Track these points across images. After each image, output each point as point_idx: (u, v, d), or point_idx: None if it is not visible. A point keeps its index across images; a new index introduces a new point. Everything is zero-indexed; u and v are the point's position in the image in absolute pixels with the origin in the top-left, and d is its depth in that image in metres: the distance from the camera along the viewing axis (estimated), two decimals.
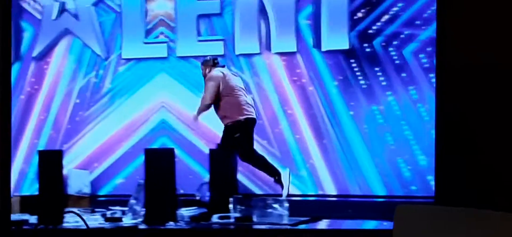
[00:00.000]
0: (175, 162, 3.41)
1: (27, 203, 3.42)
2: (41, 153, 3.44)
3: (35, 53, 3.64)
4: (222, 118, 3.37)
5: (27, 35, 3.64)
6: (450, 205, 1.74)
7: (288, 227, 3.08)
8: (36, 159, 3.50)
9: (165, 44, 3.60)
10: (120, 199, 3.51)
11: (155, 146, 3.57)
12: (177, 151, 3.47)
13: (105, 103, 3.65)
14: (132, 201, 3.44)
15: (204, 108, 3.38)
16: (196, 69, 3.57)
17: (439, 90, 2.98)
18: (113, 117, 3.65)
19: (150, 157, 3.42)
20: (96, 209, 3.49)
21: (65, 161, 3.48)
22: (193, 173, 3.54)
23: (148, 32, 3.62)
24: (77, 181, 3.53)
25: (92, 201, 3.54)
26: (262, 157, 3.38)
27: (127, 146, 3.62)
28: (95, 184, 3.60)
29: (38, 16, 3.64)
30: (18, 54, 3.63)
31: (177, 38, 3.59)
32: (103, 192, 3.62)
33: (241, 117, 3.34)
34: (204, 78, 3.41)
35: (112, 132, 3.64)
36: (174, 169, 3.41)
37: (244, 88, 3.42)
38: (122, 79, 3.63)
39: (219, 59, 3.47)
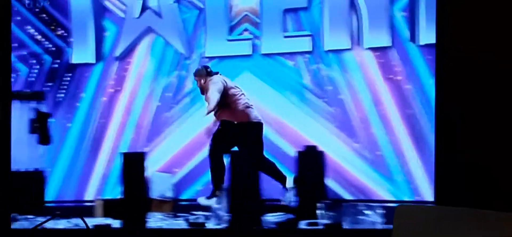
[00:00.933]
0: None
1: (110, 207, 3.35)
2: (125, 155, 3.36)
3: (117, 53, 3.55)
4: (224, 123, 3.22)
5: (109, 35, 3.55)
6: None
7: None
8: (118, 161, 3.45)
9: (250, 41, 3.43)
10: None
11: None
12: None
13: (187, 104, 3.51)
14: (216, 206, 3.30)
15: (214, 106, 3.20)
16: (282, 67, 3.38)
17: (438, 90, 2.90)
18: (196, 118, 3.50)
19: (234, 160, 3.29)
20: (179, 214, 3.38)
21: (147, 164, 3.41)
22: None
23: (231, 29, 3.45)
24: (160, 185, 3.42)
25: (175, 206, 3.43)
26: (270, 163, 3.24)
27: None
28: (178, 187, 3.48)
29: (121, 14, 3.54)
30: (100, 54, 3.55)
31: (262, 34, 3.41)
32: (185, 196, 3.49)
33: (244, 120, 3.19)
34: (201, 89, 3.27)
35: (195, 134, 3.50)
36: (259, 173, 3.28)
37: (244, 93, 3.26)
38: None
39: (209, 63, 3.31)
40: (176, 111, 3.53)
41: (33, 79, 3.54)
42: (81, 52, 3.54)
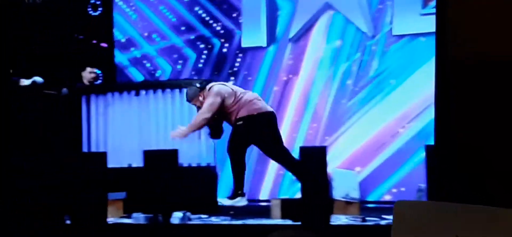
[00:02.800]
0: None
1: (287, 207, 2.97)
2: (302, 150, 2.97)
3: (291, 34, 3.16)
4: (236, 121, 2.72)
5: (283, 14, 3.18)
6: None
7: None
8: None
9: None
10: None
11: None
12: None
13: (372, 90, 3.06)
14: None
15: (201, 122, 2.70)
16: None
17: (438, 84, 2.49)
18: (382, 106, 3.04)
19: (432, 155, 2.78)
20: (367, 218, 2.92)
21: (328, 159, 2.99)
22: None
23: (427, 1, 2.95)
24: (343, 183, 2.98)
25: (362, 208, 2.97)
26: (295, 160, 2.74)
27: (401, 142, 2.99)
28: (364, 187, 3.02)
29: None
30: (273, 36, 3.19)
31: None
32: (373, 197, 3.03)
33: (254, 112, 2.68)
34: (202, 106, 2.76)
35: (381, 125, 3.04)
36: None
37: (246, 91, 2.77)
38: (392, 61, 3.01)
39: None
40: (358, 100, 3.10)
41: (202, 65, 3.26)
42: (252, 34, 3.20)
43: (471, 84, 2.93)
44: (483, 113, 2.92)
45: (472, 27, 2.88)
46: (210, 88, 2.70)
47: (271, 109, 2.69)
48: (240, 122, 2.70)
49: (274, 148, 2.72)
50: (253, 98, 2.69)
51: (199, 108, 2.78)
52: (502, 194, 2.82)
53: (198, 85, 2.77)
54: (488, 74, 3.12)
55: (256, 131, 2.73)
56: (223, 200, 2.85)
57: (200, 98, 2.78)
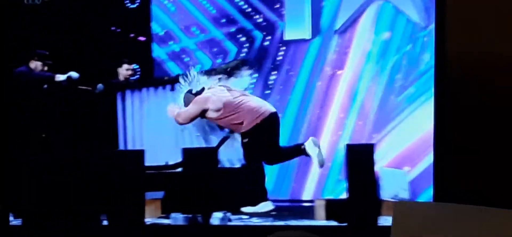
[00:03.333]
0: None
1: (332, 208, 2.83)
2: (349, 148, 2.82)
3: (338, 25, 3.01)
4: (242, 138, 2.69)
5: (328, 4, 3.02)
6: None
7: None
8: (339, 155, 2.92)
9: None
10: None
11: None
12: None
13: (424, 84, 2.87)
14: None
15: (176, 119, 2.73)
16: None
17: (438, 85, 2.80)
18: (433, 102, 2.86)
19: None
20: None
21: (376, 158, 2.84)
22: None
23: None
24: (392, 183, 2.82)
25: None
26: (285, 148, 2.79)
27: None
28: (414, 187, 2.85)
29: None
30: (317, 28, 3.04)
31: None
32: (424, 198, 2.85)
33: (258, 121, 2.67)
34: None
35: (431, 124, 2.85)
36: None
37: (242, 93, 2.73)
38: None
39: None
40: (408, 96, 2.92)
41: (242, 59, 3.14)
42: (296, 26, 3.05)
43: (467, 85, 2.87)
44: (480, 114, 2.86)
45: (470, 26, 2.83)
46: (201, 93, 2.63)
47: (274, 110, 2.63)
48: (246, 139, 2.63)
49: (277, 149, 2.66)
50: (255, 104, 2.60)
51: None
52: (499, 195, 2.79)
53: (193, 91, 2.68)
54: (485, 74, 3.03)
55: (263, 139, 2.66)
56: (245, 208, 2.76)
57: None
